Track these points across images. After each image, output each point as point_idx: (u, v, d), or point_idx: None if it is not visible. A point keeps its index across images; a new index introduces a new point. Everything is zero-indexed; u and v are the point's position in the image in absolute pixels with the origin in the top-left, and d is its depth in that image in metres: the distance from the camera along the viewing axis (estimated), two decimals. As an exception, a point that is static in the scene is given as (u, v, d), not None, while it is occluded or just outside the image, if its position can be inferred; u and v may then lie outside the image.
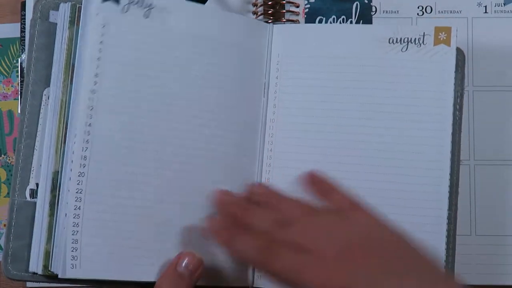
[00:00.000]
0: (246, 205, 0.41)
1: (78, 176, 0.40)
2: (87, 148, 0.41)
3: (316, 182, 0.41)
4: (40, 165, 0.43)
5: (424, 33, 0.45)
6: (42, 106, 0.44)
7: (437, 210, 0.44)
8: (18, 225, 0.43)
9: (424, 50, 0.45)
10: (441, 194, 0.44)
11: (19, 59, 0.51)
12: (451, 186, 0.44)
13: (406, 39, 0.45)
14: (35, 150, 0.44)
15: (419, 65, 0.45)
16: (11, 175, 0.50)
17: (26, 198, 0.43)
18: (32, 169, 0.44)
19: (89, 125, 0.41)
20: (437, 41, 0.45)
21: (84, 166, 0.40)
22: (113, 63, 0.42)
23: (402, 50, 0.45)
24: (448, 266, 0.44)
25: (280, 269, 0.36)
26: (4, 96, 0.51)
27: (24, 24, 0.50)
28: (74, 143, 0.40)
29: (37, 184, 0.43)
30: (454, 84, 0.45)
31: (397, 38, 0.45)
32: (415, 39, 0.45)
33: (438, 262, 0.37)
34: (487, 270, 0.49)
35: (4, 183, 0.50)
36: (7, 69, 0.52)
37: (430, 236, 0.43)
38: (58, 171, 0.42)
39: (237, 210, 0.41)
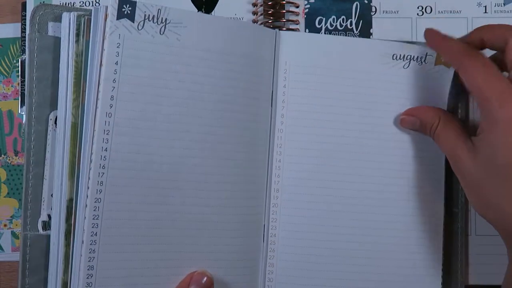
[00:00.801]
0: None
1: (95, 202, 0.40)
2: (103, 173, 0.40)
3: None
4: (51, 195, 0.42)
5: (427, 53, 0.46)
6: (48, 131, 0.43)
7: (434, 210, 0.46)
8: (33, 260, 0.42)
9: (425, 69, 0.47)
10: (438, 192, 0.46)
11: (19, 59, 0.51)
12: (456, 183, 0.47)
13: (409, 57, 0.46)
14: (44, 180, 0.42)
15: (417, 82, 0.46)
16: (11, 175, 0.50)
17: (38, 231, 0.42)
18: (42, 200, 0.42)
19: (105, 149, 0.40)
20: (438, 61, 0.46)
21: (101, 192, 0.40)
22: (128, 84, 0.41)
23: (404, 67, 0.47)
24: (460, 265, 0.47)
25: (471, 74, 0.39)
26: (4, 96, 0.51)
27: (25, 24, 0.50)
28: (91, 169, 0.40)
29: (49, 216, 0.42)
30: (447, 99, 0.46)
31: (400, 55, 0.46)
32: (417, 57, 0.46)
33: None
34: (487, 270, 0.49)
35: (4, 183, 0.50)
36: (7, 69, 0.51)
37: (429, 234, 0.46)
38: (73, 199, 0.41)
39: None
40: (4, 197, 0.50)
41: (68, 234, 0.41)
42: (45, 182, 0.43)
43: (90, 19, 0.41)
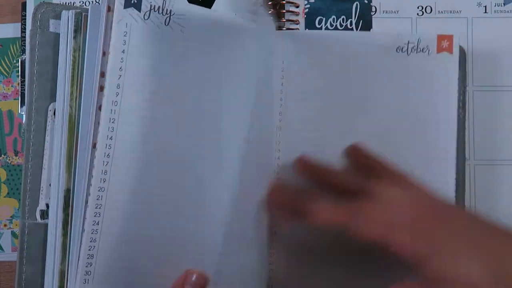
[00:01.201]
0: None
1: (98, 191, 0.39)
2: (107, 162, 0.40)
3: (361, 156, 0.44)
4: (50, 184, 0.42)
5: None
6: (48, 123, 0.43)
7: None
8: (31, 249, 0.42)
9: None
10: (448, 193, 0.46)
11: (19, 59, 0.51)
12: (457, 185, 0.46)
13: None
14: (43, 170, 0.43)
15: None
16: (11, 175, 0.50)
17: (36, 220, 0.43)
18: (41, 189, 0.43)
19: (110, 138, 0.40)
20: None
21: (105, 181, 0.39)
22: (135, 73, 0.41)
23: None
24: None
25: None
26: (4, 96, 0.51)
27: (25, 24, 0.50)
28: (95, 157, 0.39)
29: (47, 205, 0.43)
30: (458, 85, 0.46)
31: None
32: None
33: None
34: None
35: (4, 183, 0.50)
36: (7, 69, 0.52)
37: None
38: (70, 189, 0.41)
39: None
40: (4, 197, 0.50)
41: (66, 223, 0.41)
42: (44, 172, 0.43)
43: (87, 15, 0.42)
